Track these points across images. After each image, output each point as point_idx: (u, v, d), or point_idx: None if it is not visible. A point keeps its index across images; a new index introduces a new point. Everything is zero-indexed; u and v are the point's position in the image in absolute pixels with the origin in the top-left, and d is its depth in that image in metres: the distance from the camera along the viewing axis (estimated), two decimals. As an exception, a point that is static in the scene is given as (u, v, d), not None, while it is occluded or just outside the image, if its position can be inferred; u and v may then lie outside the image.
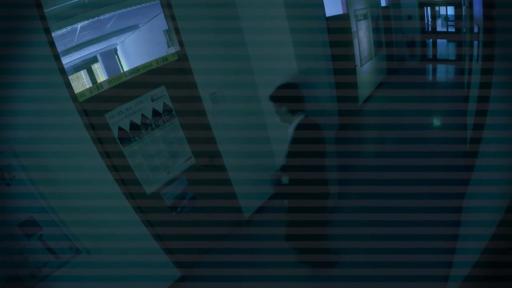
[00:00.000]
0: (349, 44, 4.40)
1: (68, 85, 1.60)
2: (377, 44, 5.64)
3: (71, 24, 3.85)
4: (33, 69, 1.46)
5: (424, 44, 7.14)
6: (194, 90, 2.21)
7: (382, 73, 6.25)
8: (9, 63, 1.40)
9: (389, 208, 2.48)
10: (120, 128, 1.89)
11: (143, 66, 1.98)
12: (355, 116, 4.76)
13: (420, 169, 2.90)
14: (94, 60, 9.29)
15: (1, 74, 1.38)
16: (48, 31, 1.49)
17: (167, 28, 2.14)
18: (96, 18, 4.05)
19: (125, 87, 1.89)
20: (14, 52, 1.41)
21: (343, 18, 4.22)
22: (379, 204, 2.61)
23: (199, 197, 2.40)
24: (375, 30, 5.49)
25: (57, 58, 1.53)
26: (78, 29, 4.33)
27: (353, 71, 4.53)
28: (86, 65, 9.54)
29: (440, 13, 9.08)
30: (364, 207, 2.67)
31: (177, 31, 2.03)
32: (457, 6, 6.58)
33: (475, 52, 2.64)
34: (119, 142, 1.90)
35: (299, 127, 1.69)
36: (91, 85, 2.83)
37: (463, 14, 4.79)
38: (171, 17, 1.98)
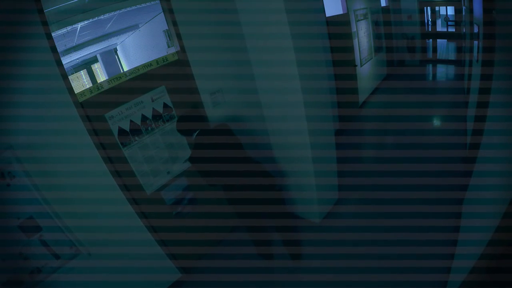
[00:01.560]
0: (349, 43, 4.40)
1: (69, 87, 1.60)
2: (377, 49, 5.65)
3: (71, 24, 3.86)
4: (33, 73, 1.46)
5: (424, 50, 7.12)
6: (194, 90, 2.21)
7: (381, 75, 6.26)
8: (10, 62, 1.40)
9: (388, 213, 2.48)
10: (120, 128, 1.89)
11: (143, 66, 1.98)
12: (354, 122, 4.76)
13: (419, 174, 2.89)
14: (94, 60, 9.31)
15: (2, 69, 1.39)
16: (50, 37, 1.50)
17: (167, 28, 2.13)
18: (96, 18, 4.06)
19: (125, 87, 1.89)
20: (15, 57, 1.42)
21: (343, 18, 4.22)
22: (378, 209, 2.60)
23: (199, 197, 2.40)
24: (375, 30, 5.49)
25: (59, 63, 1.54)
26: (78, 29, 4.34)
27: (353, 72, 4.53)
28: (86, 65, 9.55)
29: (440, 13, 9.10)
30: (363, 212, 2.66)
31: (177, 30, 2.02)
32: (458, 12, 6.56)
33: (474, 52, 2.64)
34: (119, 142, 1.90)
35: (199, 133, 1.92)
36: (91, 85, 2.83)
37: (463, 14, 4.79)
38: (171, 17, 1.98)
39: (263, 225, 2.24)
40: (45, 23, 1.47)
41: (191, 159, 1.92)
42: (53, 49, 1.51)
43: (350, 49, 4.42)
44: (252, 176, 1.92)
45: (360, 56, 4.84)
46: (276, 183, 2.02)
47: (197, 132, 1.93)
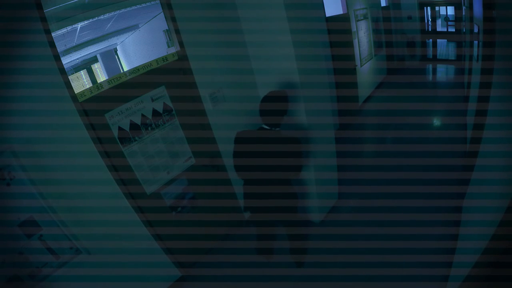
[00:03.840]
0: (349, 51, 4.41)
1: (68, 85, 1.61)
2: (377, 44, 5.65)
3: (71, 24, 3.85)
4: (36, 80, 1.48)
5: (424, 58, 7.09)
6: (194, 90, 2.21)
7: (382, 72, 6.26)
8: (11, 63, 1.41)
9: (389, 208, 2.48)
10: (120, 128, 1.89)
11: (143, 66, 1.98)
12: (355, 116, 4.76)
13: (420, 169, 2.89)
14: (94, 60, 9.29)
15: (2, 74, 1.39)
16: (53, 45, 1.50)
17: (167, 28, 2.14)
18: (96, 18, 4.05)
19: (125, 87, 1.89)
20: (17, 56, 1.42)
21: (343, 18, 4.23)
22: (378, 204, 2.61)
23: (199, 197, 2.40)
24: (375, 30, 5.49)
25: (61, 70, 1.55)
26: (78, 29, 4.33)
27: (353, 71, 4.54)
28: (86, 65, 9.54)
29: (440, 13, 9.10)
30: (364, 207, 2.66)
31: (177, 31, 2.02)
32: (457, 8, 6.56)
33: (475, 52, 2.64)
34: (119, 142, 1.90)
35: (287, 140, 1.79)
36: (91, 85, 2.83)
37: (463, 14, 4.79)
38: (171, 17, 1.98)
39: (277, 233, 2.28)
40: (47, 31, 1.47)
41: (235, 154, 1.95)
42: (56, 57, 1.52)
43: (351, 57, 4.43)
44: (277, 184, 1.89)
45: (360, 56, 4.85)
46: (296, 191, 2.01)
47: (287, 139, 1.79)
